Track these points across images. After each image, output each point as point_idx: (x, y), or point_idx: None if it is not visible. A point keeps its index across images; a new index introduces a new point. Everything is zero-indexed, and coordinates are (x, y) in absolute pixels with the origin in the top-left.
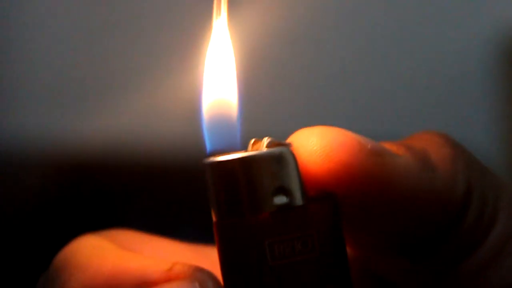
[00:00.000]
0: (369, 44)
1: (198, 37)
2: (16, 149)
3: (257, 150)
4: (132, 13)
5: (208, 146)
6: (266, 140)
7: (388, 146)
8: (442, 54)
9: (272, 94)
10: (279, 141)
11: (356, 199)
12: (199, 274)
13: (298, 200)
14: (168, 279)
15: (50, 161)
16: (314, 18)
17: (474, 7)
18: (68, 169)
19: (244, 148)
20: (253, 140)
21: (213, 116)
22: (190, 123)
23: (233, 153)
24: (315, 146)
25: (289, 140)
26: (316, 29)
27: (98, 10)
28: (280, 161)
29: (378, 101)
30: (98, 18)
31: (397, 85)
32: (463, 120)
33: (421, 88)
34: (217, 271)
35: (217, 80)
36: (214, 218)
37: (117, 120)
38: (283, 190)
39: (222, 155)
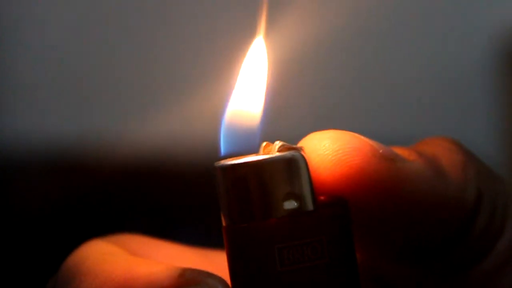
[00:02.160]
0: (371, 46)
1: (235, 51)
2: (18, 153)
3: (268, 153)
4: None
5: (223, 151)
6: (277, 144)
7: (400, 151)
8: (442, 56)
9: (291, 100)
10: (290, 145)
11: (367, 204)
12: (210, 280)
13: (309, 205)
14: (179, 285)
15: (53, 164)
16: (332, 34)
17: (474, 9)
18: (72, 173)
19: (256, 151)
20: (264, 144)
21: (233, 123)
22: (204, 131)
23: (243, 157)
24: (327, 150)
25: (300, 144)
26: (333, 46)
27: (119, 16)
28: (291, 165)
29: (379, 104)
30: (119, 24)
31: (398, 88)
32: (464, 121)
33: (423, 89)
34: (225, 275)
35: (245, 91)
36: (223, 223)
37: (122, 124)
38: (294, 195)
39: (233, 159)
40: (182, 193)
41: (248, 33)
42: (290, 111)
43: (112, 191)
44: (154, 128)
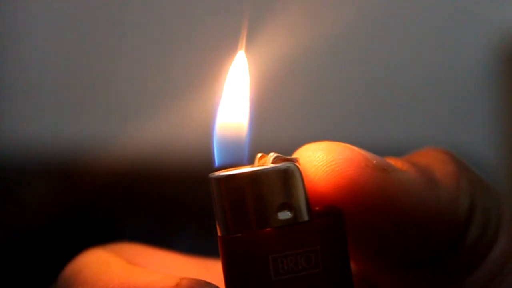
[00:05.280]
0: (364, 50)
1: (218, 64)
2: (17, 157)
3: (263, 165)
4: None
5: (216, 161)
6: (272, 155)
7: (393, 161)
8: (442, 59)
9: (281, 111)
10: (285, 157)
11: (361, 214)
12: None
13: (303, 215)
14: None
15: (50, 170)
16: (319, 46)
17: (473, 11)
18: (69, 179)
19: (251, 162)
20: (259, 155)
21: (224, 134)
22: (197, 137)
23: (239, 168)
24: (321, 161)
25: (295, 155)
26: (320, 54)
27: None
28: (285, 176)
29: (378, 107)
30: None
31: (394, 92)
32: (463, 123)
33: (422, 92)
34: (222, 284)
35: (232, 103)
36: (218, 233)
37: (120, 129)
38: (288, 205)
39: (228, 170)
40: (179, 199)
41: (232, 46)
42: (278, 121)
43: (109, 197)
44: (151, 133)
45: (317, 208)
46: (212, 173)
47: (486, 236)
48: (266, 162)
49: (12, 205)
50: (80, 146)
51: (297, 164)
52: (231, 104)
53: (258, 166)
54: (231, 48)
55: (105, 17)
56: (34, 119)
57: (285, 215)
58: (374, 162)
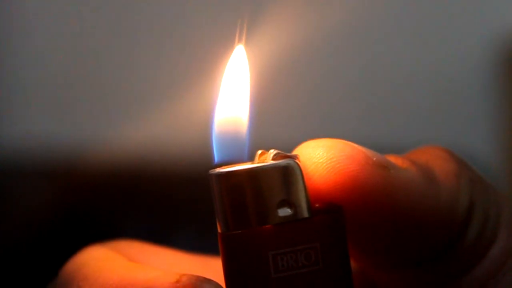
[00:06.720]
0: (364, 49)
1: (217, 59)
2: (15, 157)
3: (263, 161)
4: (148, 31)
5: (216, 158)
6: (272, 152)
7: (393, 159)
8: (441, 60)
9: (281, 108)
10: (285, 153)
11: (361, 211)
12: (207, 285)
13: (303, 212)
14: None
15: (49, 169)
16: (320, 41)
17: (472, 11)
18: (69, 177)
19: (251, 159)
20: (260, 152)
21: (224, 130)
22: (199, 138)
23: (239, 165)
24: (322, 158)
25: (295, 152)
26: (320, 49)
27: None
28: (285, 173)
29: (379, 107)
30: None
31: (397, 92)
32: (463, 124)
33: (422, 92)
34: (221, 281)
35: (231, 98)
36: (219, 229)
37: (117, 129)
38: (288, 202)
39: (228, 166)
40: (179, 197)
41: (231, 40)
42: (278, 118)
43: (109, 197)
44: (150, 132)
45: (317, 205)
46: (212, 170)
47: (485, 234)
48: (266, 158)
49: (12, 205)
50: (80, 146)
51: (297, 161)
52: (231, 100)
53: (258, 162)
54: (230, 43)
55: (102, 16)
56: (33, 120)
57: (285, 212)
58: (374, 159)
